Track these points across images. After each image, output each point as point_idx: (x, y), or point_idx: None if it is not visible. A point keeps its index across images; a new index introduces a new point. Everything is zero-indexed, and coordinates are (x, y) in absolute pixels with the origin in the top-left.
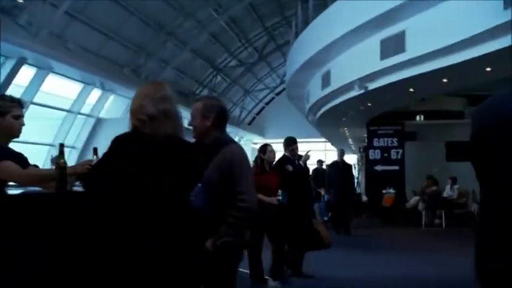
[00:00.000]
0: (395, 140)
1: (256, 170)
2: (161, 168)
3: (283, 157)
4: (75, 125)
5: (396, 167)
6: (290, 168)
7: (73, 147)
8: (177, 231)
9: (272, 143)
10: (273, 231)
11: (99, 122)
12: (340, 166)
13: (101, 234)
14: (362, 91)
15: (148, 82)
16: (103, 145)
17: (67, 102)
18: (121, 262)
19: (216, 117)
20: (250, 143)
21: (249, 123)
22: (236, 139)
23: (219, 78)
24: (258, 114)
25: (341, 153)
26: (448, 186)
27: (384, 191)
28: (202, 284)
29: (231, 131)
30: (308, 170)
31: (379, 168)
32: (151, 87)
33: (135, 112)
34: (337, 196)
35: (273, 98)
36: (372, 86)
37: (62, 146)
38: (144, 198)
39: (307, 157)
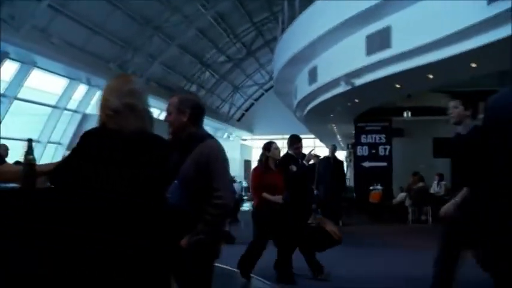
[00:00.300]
0: (383, 136)
1: (261, 168)
2: (128, 163)
3: (287, 156)
4: (61, 121)
5: (384, 164)
6: (294, 168)
7: (59, 144)
8: (147, 226)
9: (261, 139)
10: (279, 231)
11: (85, 118)
12: (331, 162)
13: (64, 228)
14: (349, 87)
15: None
16: None
17: (53, 98)
18: (94, 258)
19: (192, 112)
20: (239, 140)
21: (238, 120)
22: (225, 135)
23: (207, 74)
24: (247, 110)
25: (333, 149)
26: (435, 183)
27: (371, 188)
28: (176, 280)
29: (220, 127)
30: (312, 169)
31: (366, 164)
32: (118, 80)
33: (102, 107)
34: (328, 193)
35: (262, 94)
36: (358, 82)
37: (30, 141)
38: (110, 193)
39: (311, 156)
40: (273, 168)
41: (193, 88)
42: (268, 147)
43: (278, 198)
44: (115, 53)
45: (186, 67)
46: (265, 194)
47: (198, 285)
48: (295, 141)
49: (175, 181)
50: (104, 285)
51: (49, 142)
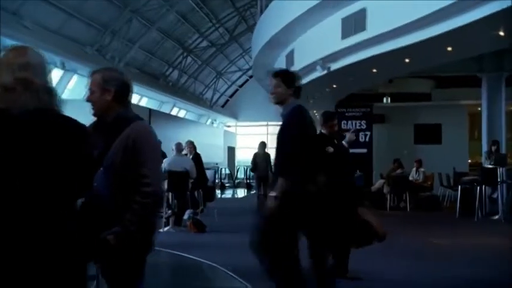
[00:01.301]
0: (363, 122)
1: None
2: (23, 148)
3: (321, 136)
4: None
5: (364, 150)
6: (331, 149)
7: None
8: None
9: (246, 126)
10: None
11: (62, 103)
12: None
13: None
14: (325, 72)
15: (111, 63)
16: None
17: None
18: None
19: (117, 91)
20: (223, 126)
21: (222, 106)
22: (208, 122)
23: (189, 59)
24: (231, 96)
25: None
26: (413, 170)
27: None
28: (104, 277)
29: (203, 113)
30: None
31: None
32: (12, 53)
33: None
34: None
35: (246, 80)
36: (334, 66)
37: None
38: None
39: (352, 137)
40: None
41: (175, 73)
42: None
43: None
44: (92, 37)
45: (167, 52)
46: None
47: (128, 283)
48: (329, 118)
49: (101, 169)
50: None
51: None
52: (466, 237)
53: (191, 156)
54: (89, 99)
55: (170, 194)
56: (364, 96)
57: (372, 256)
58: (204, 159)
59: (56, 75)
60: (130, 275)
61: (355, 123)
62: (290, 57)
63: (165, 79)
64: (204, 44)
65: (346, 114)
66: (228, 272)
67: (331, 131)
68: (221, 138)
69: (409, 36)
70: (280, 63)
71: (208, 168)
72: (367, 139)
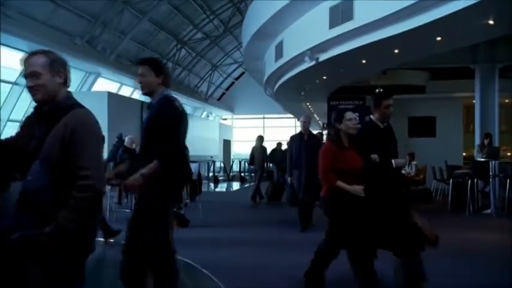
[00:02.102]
0: (356, 115)
1: (332, 146)
2: None
3: (370, 124)
4: (22, 98)
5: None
6: (376, 158)
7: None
8: None
9: (242, 119)
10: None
11: None
12: (305, 139)
13: None
14: (313, 62)
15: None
16: None
17: (13, 74)
18: None
19: (67, 73)
20: (219, 119)
21: (219, 99)
22: (204, 115)
23: (183, 51)
24: (227, 89)
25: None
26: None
27: None
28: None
29: (198, 106)
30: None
31: None
32: None
33: None
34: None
35: (243, 73)
36: (323, 57)
37: None
38: None
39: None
40: (347, 145)
41: (169, 65)
42: (340, 117)
43: (357, 189)
44: (82, 29)
45: (161, 44)
46: (340, 183)
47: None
48: (383, 98)
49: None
50: None
51: (9, 120)
52: (455, 232)
53: None
54: (35, 84)
55: None
56: (357, 88)
57: None
58: (199, 153)
59: None
60: (64, 281)
61: None
62: (279, 48)
63: None
64: (199, 36)
65: (339, 106)
66: (201, 269)
67: (385, 115)
68: (216, 131)
69: (396, 26)
70: (271, 55)
71: (193, 161)
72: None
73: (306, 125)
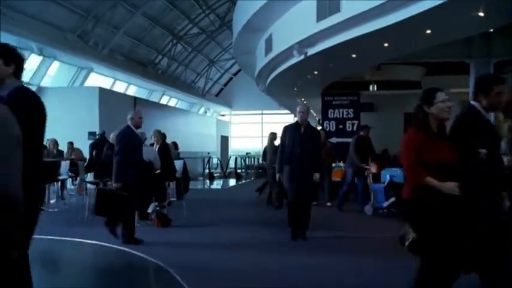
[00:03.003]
0: (351, 111)
1: (418, 134)
2: None
3: (472, 112)
4: None
5: (348, 140)
6: (484, 154)
7: None
8: None
9: (240, 115)
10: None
11: (41, 91)
12: (301, 131)
13: None
14: (302, 57)
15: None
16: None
17: None
18: None
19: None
20: (216, 115)
21: (217, 95)
22: (201, 111)
23: (179, 47)
24: (225, 85)
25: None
26: None
27: (333, 165)
28: None
29: (196, 102)
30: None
31: (333, 140)
32: None
33: None
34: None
35: (240, 69)
36: (311, 51)
37: None
38: None
39: None
40: (435, 132)
41: (165, 61)
42: (430, 98)
43: (452, 187)
44: (74, 23)
45: (156, 39)
46: (430, 179)
47: None
48: (494, 84)
49: None
50: None
51: None
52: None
53: (158, 146)
54: None
55: None
56: (351, 84)
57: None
58: (195, 149)
59: (34, 61)
60: None
61: (342, 112)
62: (269, 42)
63: (154, 67)
64: (195, 30)
65: (333, 102)
66: (169, 270)
67: (492, 104)
68: (213, 127)
69: (384, 18)
70: (261, 49)
71: (181, 158)
72: (354, 128)
73: (303, 116)
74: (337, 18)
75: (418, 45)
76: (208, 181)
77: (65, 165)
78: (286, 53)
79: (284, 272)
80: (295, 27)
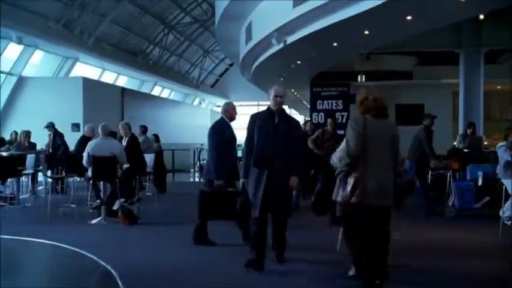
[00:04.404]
0: (340, 102)
1: None
2: None
3: None
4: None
5: (340, 132)
6: None
7: None
8: None
9: (238, 106)
10: None
11: (22, 81)
12: (276, 121)
13: None
14: (281, 45)
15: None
16: (28, 107)
17: None
18: None
19: None
20: (213, 106)
21: (212, 86)
22: (196, 102)
23: (172, 36)
24: (221, 75)
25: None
26: None
27: None
28: None
29: (190, 93)
30: None
31: None
32: None
33: None
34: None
35: None
36: (290, 39)
37: None
38: None
39: None
40: None
41: (156, 51)
42: None
43: None
44: (58, 11)
45: (147, 28)
46: None
47: None
48: None
49: None
50: None
51: None
52: (426, 229)
53: (126, 139)
54: None
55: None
56: (341, 74)
57: None
58: (188, 140)
59: (16, 50)
60: None
61: (331, 103)
62: (249, 31)
63: (145, 57)
64: (187, 20)
65: (322, 93)
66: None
67: None
68: (207, 118)
69: (362, 3)
70: (243, 38)
71: (161, 152)
72: (343, 120)
73: (281, 101)
74: (313, 4)
75: (400, 33)
76: (198, 173)
77: (30, 158)
78: (266, 42)
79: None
80: (273, 14)
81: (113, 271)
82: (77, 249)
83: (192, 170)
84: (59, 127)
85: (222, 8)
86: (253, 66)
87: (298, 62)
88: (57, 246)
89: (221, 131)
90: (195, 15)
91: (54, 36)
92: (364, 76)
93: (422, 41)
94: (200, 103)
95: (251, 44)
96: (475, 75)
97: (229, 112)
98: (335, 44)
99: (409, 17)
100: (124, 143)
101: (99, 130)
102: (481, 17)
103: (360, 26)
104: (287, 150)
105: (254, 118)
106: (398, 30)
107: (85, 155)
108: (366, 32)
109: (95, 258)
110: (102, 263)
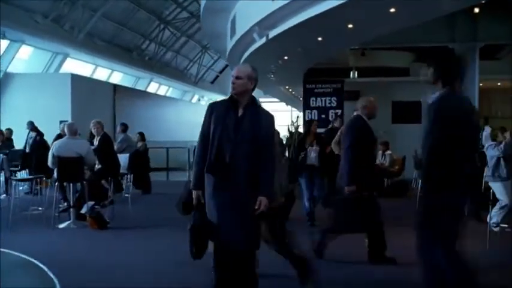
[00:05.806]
0: (334, 99)
1: None
2: None
3: None
4: None
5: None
6: None
7: None
8: None
9: None
10: None
11: (7, 77)
12: (239, 114)
13: None
14: (264, 39)
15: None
16: (15, 104)
17: None
18: None
19: None
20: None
21: (212, 82)
22: (195, 99)
23: (168, 32)
24: (221, 72)
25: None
26: (379, 153)
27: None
28: None
29: (188, 89)
30: None
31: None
32: None
33: None
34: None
35: None
36: (273, 33)
37: None
38: None
39: None
40: None
41: (152, 46)
42: None
43: None
44: (47, 6)
45: (142, 24)
46: None
47: None
48: None
49: None
50: None
51: None
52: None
53: (98, 138)
54: None
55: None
56: (334, 70)
57: None
58: (183, 138)
59: (2, 45)
60: None
61: (325, 100)
62: (233, 24)
63: (140, 53)
64: (184, 15)
65: (316, 90)
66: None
67: None
68: (203, 115)
69: None
70: (228, 32)
71: (147, 150)
72: None
73: (240, 84)
74: None
75: (386, 27)
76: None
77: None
78: (249, 36)
79: None
80: (254, 7)
81: (57, 282)
82: (24, 256)
83: (188, 169)
84: (46, 124)
85: (205, 1)
86: (240, 62)
87: (285, 57)
88: (7, 253)
89: (361, 130)
90: (192, 10)
91: (42, 31)
92: (356, 72)
93: (415, 36)
94: (199, 100)
95: (235, 38)
96: (470, 70)
97: (370, 108)
98: (320, 39)
99: (392, 9)
100: (96, 142)
101: (65, 129)
102: (476, 10)
103: (341, 19)
104: (253, 157)
105: (211, 108)
106: (382, 23)
107: (50, 155)
108: (350, 26)
109: (43, 267)
110: (50, 273)
